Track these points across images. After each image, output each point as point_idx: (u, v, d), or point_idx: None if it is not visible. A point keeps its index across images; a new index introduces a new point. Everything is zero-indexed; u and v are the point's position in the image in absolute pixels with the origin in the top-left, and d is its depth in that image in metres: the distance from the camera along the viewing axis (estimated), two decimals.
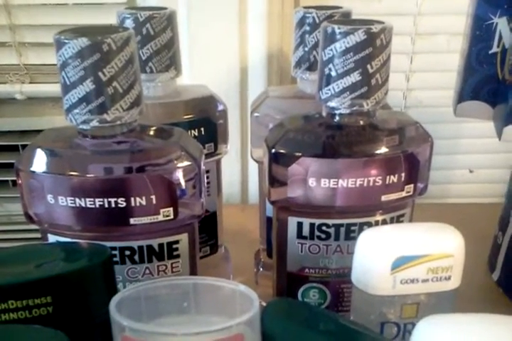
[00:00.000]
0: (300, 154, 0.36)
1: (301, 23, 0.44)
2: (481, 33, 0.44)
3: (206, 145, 0.45)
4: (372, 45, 0.34)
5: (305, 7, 0.45)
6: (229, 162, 0.65)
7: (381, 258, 0.32)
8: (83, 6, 0.61)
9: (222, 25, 0.61)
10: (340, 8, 0.44)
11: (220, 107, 0.46)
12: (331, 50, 0.35)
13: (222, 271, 0.51)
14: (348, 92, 0.35)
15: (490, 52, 0.44)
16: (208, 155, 0.44)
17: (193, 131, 0.44)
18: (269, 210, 0.47)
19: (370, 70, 0.35)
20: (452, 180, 0.74)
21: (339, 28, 0.34)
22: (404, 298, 0.33)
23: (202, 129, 0.44)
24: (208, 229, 0.49)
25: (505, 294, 0.51)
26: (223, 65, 0.63)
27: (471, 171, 0.74)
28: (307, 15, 0.43)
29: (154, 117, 0.41)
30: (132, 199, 0.33)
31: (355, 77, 0.35)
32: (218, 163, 0.48)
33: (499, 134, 0.42)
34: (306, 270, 0.40)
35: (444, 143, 0.70)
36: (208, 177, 0.46)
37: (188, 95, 0.46)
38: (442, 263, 0.32)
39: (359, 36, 0.34)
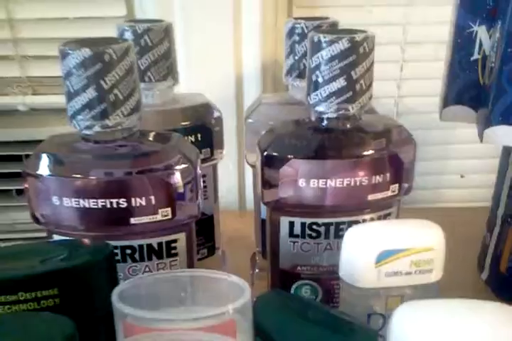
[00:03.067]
0: (291, 156, 0.38)
1: (291, 33, 0.46)
2: (462, 41, 0.46)
3: (203, 151, 0.46)
4: (356, 52, 0.36)
5: (295, 18, 0.47)
6: (226, 168, 0.67)
7: (366, 252, 0.34)
8: (83, 19, 0.63)
9: (217, 35, 0.63)
10: (328, 18, 0.46)
11: (216, 114, 0.48)
12: (318, 57, 0.37)
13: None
14: (334, 97, 0.37)
15: (471, 59, 0.46)
16: (204, 160, 0.45)
17: (189, 137, 0.46)
18: (264, 213, 0.48)
19: (355, 76, 0.37)
20: (443, 185, 0.75)
21: (325, 37, 0.36)
22: (389, 291, 0.34)
23: (198, 135, 0.46)
24: (205, 232, 0.50)
25: (493, 293, 0.52)
26: (219, 73, 0.65)
27: (462, 176, 0.75)
28: (296, 25, 0.46)
29: (153, 124, 0.43)
30: (133, 199, 0.35)
31: (340, 82, 0.37)
32: (215, 167, 0.50)
33: (480, 137, 0.44)
34: (299, 267, 0.42)
35: (436, 148, 0.71)
36: (204, 182, 0.47)
37: (184, 103, 0.48)
38: (424, 256, 0.34)
39: (343, 44, 0.36)
